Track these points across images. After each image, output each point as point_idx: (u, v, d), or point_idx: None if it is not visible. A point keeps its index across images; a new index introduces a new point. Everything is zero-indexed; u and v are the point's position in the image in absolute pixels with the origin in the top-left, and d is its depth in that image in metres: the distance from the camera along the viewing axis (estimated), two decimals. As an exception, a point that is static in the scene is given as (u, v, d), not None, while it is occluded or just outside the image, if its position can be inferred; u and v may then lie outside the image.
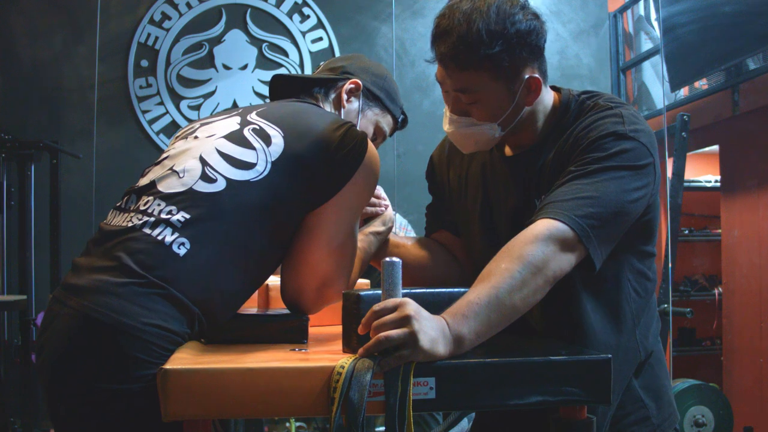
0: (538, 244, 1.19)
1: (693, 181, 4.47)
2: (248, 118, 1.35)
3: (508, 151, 1.50)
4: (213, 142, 1.31)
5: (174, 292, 1.17)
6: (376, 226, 1.54)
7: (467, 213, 1.55)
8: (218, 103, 4.33)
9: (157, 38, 4.31)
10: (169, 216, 1.21)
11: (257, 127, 1.31)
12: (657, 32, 4.28)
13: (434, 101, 4.38)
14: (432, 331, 1.07)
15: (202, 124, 1.40)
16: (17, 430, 3.49)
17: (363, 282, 1.72)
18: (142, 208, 1.24)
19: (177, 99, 4.30)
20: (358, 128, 1.50)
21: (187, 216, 1.21)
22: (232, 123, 1.35)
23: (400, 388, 1.04)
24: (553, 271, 1.20)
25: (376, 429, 3.14)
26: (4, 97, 4.16)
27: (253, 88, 4.35)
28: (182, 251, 1.18)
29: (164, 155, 1.36)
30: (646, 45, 4.53)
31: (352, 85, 1.54)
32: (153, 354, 1.13)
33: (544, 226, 1.22)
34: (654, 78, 4.49)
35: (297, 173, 1.28)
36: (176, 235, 1.19)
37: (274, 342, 1.32)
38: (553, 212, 1.23)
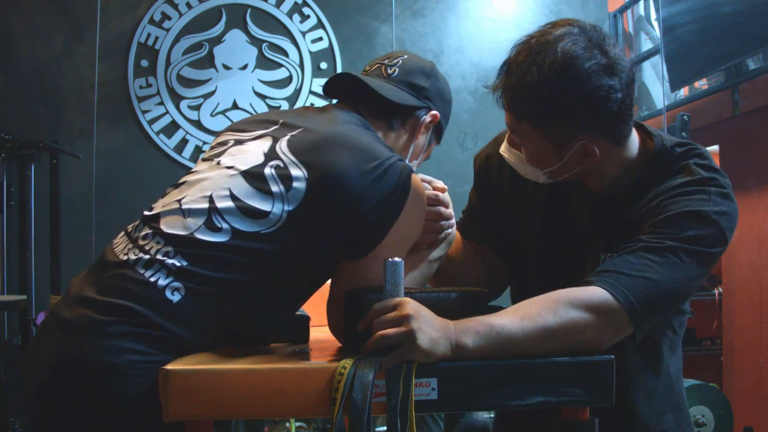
0: (584, 313, 1.15)
1: (693, 181, 4.45)
2: (277, 148, 1.21)
3: (581, 185, 1.43)
4: (229, 180, 1.18)
5: (164, 335, 1.11)
6: (441, 250, 1.45)
7: (524, 232, 1.50)
8: (218, 103, 4.33)
9: (157, 38, 4.30)
10: (164, 258, 1.13)
11: (281, 165, 1.18)
12: (657, 32, 4.28)
13: (434, 101, 4.37)
14: (432, 330, 1.07)
15: (236, 142, 1.26)
16: (17, 430, 3.49)
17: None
18: (140, 242, 1.17)
19: (177, 99, 4.30)
20: (418, 162, 1.42)
21: (184, 263, 1.12)
22: (259, 152, 1.21)
23: (401, 388, 1.04)
24: (587, 343, 1.16)
25: (376, 429, 3.13)
26: (4, 97, 4.16)
27: (253, 88, 4.35)
28: (176, 297, 1.11)
29: (185, 178, 1.26)
30: (646, 45, 4.53)
31: (432, 118, 1.42)
32: (142, 385, 1.08)
33: (598, 296, 1.17)
34: (654, 78, 4.49)
35: (317, 225, 1.16)
36: (170, 279, 1.11)
37: (275, 342, 1.32)
38: (613, 286, 1.18)
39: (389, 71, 1.43)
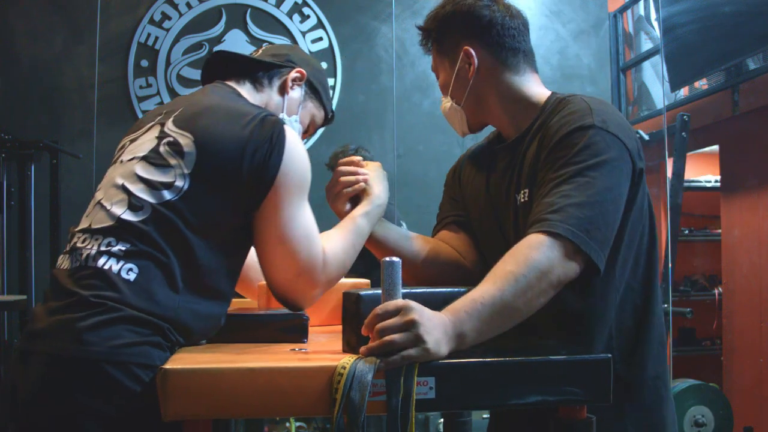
0: (543, 250, 1.21)
1: (693, 181, 4.47)
2: (166, 128, 1.33)
3: (500, 148, 1.55)
4: (133, 166, 1.31)
5: (134, 313, 1.17)
6: (364, 206, 1.49)
7: (475, 204, 1.59)
8: (218, 103, 4.33)
9: (157, 38, 4.31)
10: (108, 248, 1.22)
11: (172, 140, 1.30)
12: (657, 32, 4.28)
13: (434, 101, 4.37)
14: (435, 331, 1.08)
15: (131, 141, 1.39)
16: (17, 430, 3.49)
17: (363, 282, 1.72)
18: (81, 246, 1.25)
19: (177, 99, 4.30)
20: (298, 119, 1.56)
21: (127, 245, 1.22)
22: (152, 138, 1.34)
23: (402, 388, 1.04)
24: (558, 276, 1.21)
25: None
26: (4, 97, 4.16)
27: (253, 88, 4.35)
28: (132, 276, 1.19)
29: (98, 187, 1.37)
30: (646, 45, 4.53)
31: (298, 74, 1.55)
32: (131, 372, 1.13)
33: (543, 237, 1.22)
34: (654, 78, 4.49)
35: (216, 182, 1.27)
36: (122, 262, 1.20)
37: (274, 342, 1.32)
38: (547, 225, 1.23)
39: (252, 55, 1.61)
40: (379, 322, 1.08)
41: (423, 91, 4.40)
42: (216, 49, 4.29)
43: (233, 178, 1.27)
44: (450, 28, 1.51)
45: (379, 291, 1.13)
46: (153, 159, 1.30)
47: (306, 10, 4.43)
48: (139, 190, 1.26)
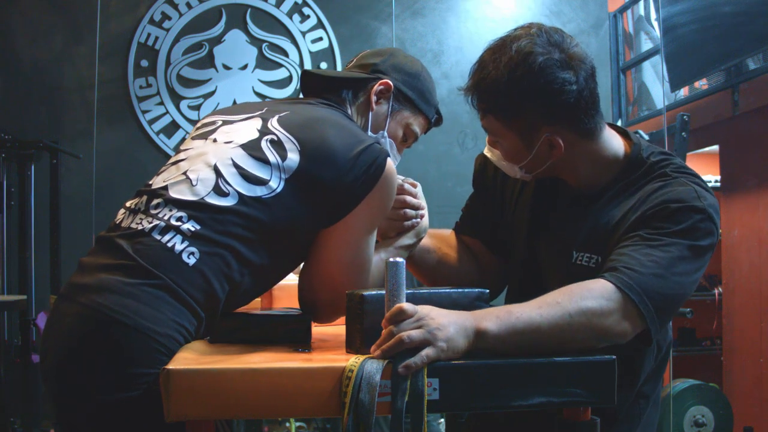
0: (602, 300, 1.18)
1: (693, 181, 4.46)
2: (269, 125, 1.33)
3: (564, 185, 1.48)
4: (230, 151, 1.29)
5: (183, 294, 1.18)
6: (408, 239, 1.50)
7: (513, 232, 1.54)
8: (218, 103, 4.33)
9: (157, 38, 4.30)
10: (179, 223, 1.21)
11: (275, 138, 1.30)
12: (657, 32, 4.28)
13: (434, 101, 4.36)
14: (450, 326, 1.08)
15: (225, 123, 1.37)
16: (17, 430, 3.49)
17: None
18: (152, 212, 1.24)
19: (177, 99, 4.30)
20: (386, 131, 1.50)
21: (197, 227, 1.21)
22: (252, 129, 1.33)
23: (409, 388, 1.04)
24: (606, 328, 1.18)
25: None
26: (4, 97, 4.15)
27: (253, 88, 4.35)
28: (192, 261, 1.20)
29: (181, 155, 1.34)
30: (646, 45, 4.53)
31: (382, 86, 1.49)
32: (157, 354, 1.15)
33: (611, 288, 1.20)
34: (654, 78, 4.49)
35: (309, 193, 1.28)
36: (186, 243, 1.20)
37: (277, 342, 1.32)
38: (623, 282, 1.20)
39: (349, 65, 1.57)
40: (401, 318, 1.08)
41: (423, 91, 4.39)
42: (216, 49, 4.32)
43: (325, 194, 1.28)
44: (523, 110, 1.33)
45: (383, 291, 1.13)
46: (252, 150, 1.28)
47: (306, 10, 4.43)
48: (230, 175, 1.25)
